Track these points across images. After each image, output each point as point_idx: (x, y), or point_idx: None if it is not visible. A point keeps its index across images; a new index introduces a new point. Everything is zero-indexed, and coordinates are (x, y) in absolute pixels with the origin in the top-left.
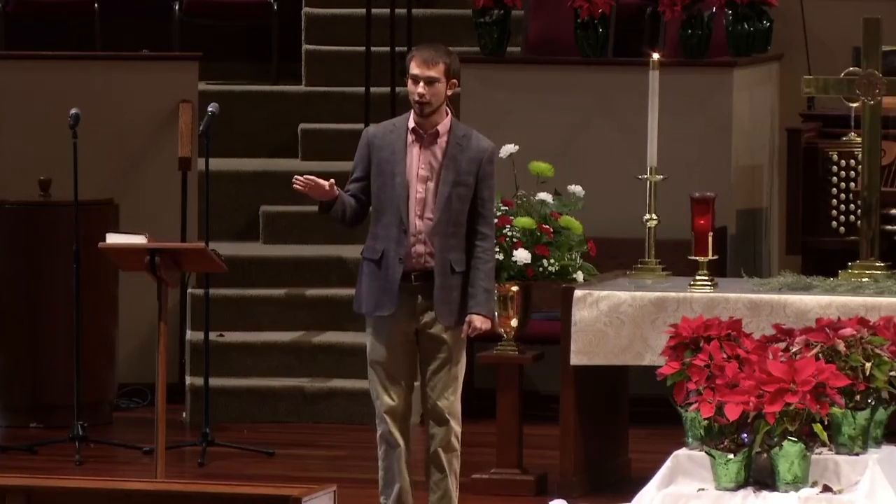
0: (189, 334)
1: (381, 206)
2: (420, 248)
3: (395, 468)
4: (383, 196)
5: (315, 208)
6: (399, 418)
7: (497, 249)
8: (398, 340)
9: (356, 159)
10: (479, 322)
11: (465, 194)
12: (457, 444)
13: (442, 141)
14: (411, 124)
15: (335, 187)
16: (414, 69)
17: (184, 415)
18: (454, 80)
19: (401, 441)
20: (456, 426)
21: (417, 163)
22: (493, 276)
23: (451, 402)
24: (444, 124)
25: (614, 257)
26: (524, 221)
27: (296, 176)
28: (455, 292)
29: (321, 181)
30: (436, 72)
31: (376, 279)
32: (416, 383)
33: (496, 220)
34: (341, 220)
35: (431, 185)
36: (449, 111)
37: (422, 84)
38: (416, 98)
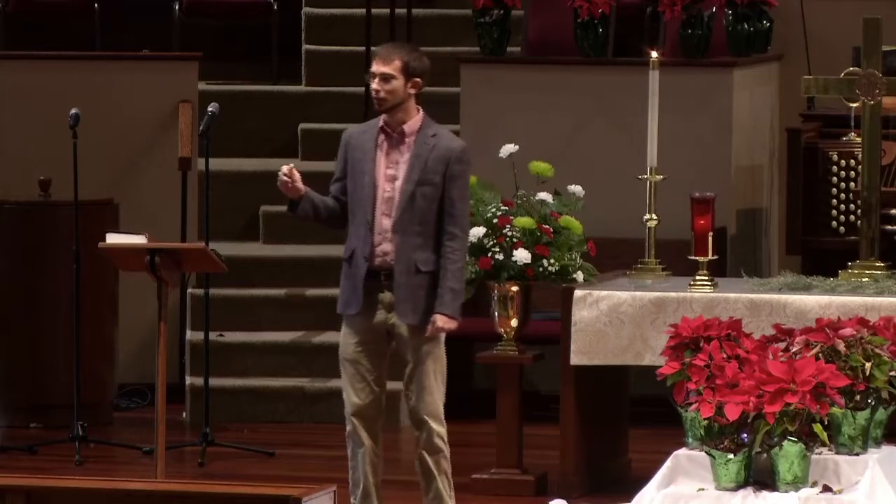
0: (189, 334)
1: (353, 206)
2: (386, 246)
3: (359, 469)
4: (355, 195)
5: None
6: (366, 418)
7: (497, 249)
8: (367, 339)
9: (337, 160)
10: (442, 322)
11: (432, 194)
12: (441, 445)
13: (410, 140)
14: (381, 123)
15: (302, 185)
16: (372, 66)
17: (184, 415)
18: (417, 80)
19: (366, 441)
20: (436, 426)
21: (385, 162)
22: (462, 277)
23: (428, 402)
24: (412, 123)
25: (614, 257)
26: (524, 221)
27: (289, 167)
28: (421, 291)
29: (297, 175)
30: (391, 68)
31: (347, 278)
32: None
33: (496, 221)
34: (315, 220)
35: (398, 184)
36: (419, 110)
37: (377, 80)
38: (373, 94)
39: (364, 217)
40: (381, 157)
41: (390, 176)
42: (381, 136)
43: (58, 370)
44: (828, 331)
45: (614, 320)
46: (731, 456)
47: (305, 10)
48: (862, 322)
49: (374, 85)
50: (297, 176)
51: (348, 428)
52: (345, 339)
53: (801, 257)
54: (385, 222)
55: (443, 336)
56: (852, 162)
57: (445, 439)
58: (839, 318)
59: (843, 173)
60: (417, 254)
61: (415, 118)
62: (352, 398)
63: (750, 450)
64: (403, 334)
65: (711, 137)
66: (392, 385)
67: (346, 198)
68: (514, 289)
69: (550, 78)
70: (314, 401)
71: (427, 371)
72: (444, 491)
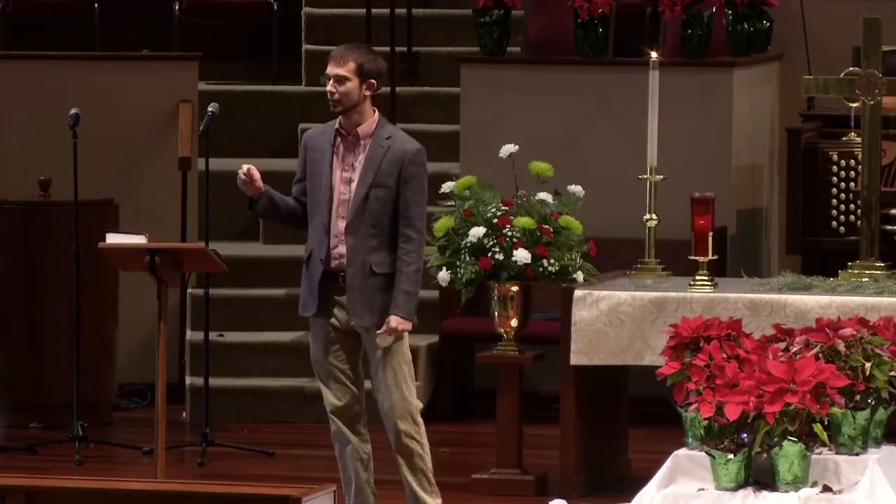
0: (189, 334)
1: (312, 208)
2: (342, 248)
3: (349, 467)
4: (313, 197)
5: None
6: (346, 417)
7: (497, 249)
8: (332, 340)
9: (298, 161)
10: (396, 323)
11: (385, 196)
12: (411, 444)
13: (365, 142)
14: (337, 125)
15: (262, 184)
16: (327, 68)
17: (184, 415)
18: (372, 81)
19: (352, 438)
20: (404, 425)
21: (341, 164)
22: (417, 279)
23: (393, 401)
24: (367, 125)
25: (614, 257)
26: (524, 221)
27: (248, 167)
28: (376, 293)
29: (255, 174)
30: (345, 70)
31: (305, 279)
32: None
33: (496, 221)
34: (275, 219)
35: (354, 186)
36: (375, 111)
37: (331, 82)
38: (328, 96)
39: (321, 219)
40: (337, 160)
41: (346, 178)
42: (338, 139)
43: (58, 370)
44: (828, 331)
45: (614, 320)
46: (731, 456)
47: (305, 10)
48: (862, 322)
49: (329, 87)
50: (256, 175)
51: (332, 428)
52: (312, 342)
53: (801, 257)
54: (341, 224)
55: (405, 336)
56: (852, 162)
57: (418, 436)
58: (839, 318)
59: (843, 173)
60: (372, 256)
61: (370, 120)
62: (330, 399)
63: (750, 450)
64: (365, 335)
65: (711, 137)
66: None
67: (306, 199)
68: (514, 289)
69: (550, 78)
70: (314, 401)
71: (390, 371)
72: (419, 490)
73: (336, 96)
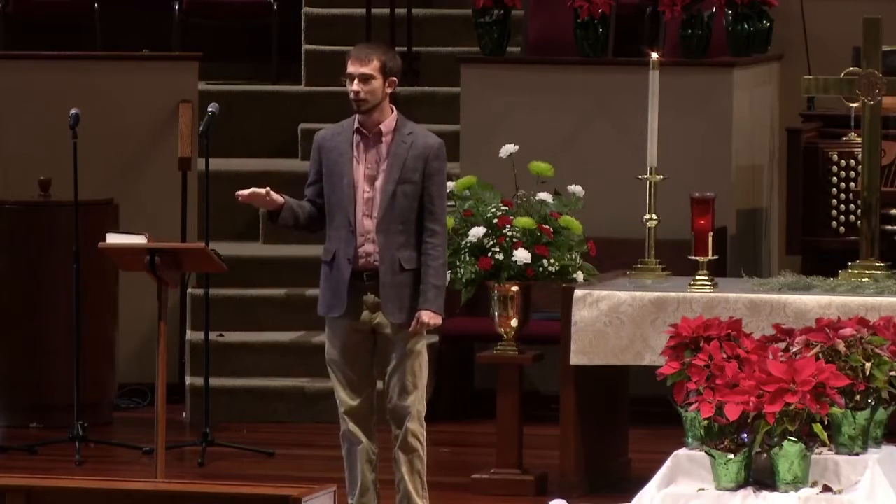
0: (189, 334)
1: (332, 208)
2: (369, 247)
3: (357, 467)
4: (333, 198)
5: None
6: (359, 417)
7: (497, 249)
8: (352, 340)
9: (310, 163)
10: (427, 318)
11: (412, 192)
12: (416, 444)
13: (387, 139)
14: (356, 125)
15: (279, 195)
16: (349, 67)
17: (184, 415)
18: (393, 79)
19: (363, 438)
20: (414, 426)
21: (364, 163)
22: (444, 273)
23: (409, 402)
24: (387, 123)
25: (614, 257)
26: (524, 221)
27: (238, 192)
28: (406, 290)
29: (258, 190)
30: (370, 69)
31: (329, 280)
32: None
33: (496, 221)
34: (294, 227)
35: (378, 184)
36: (394, 109)
37: (356, 81)
38: (352, 96)
39: (345, 219)
40: (359, 159)
41: (369, 177)
42: (357, 137)
43: (58, 370)
44: (828, 331)
45: (614, 320)
46: (731, 456)
47: (305, 10)
48: (862, 322)
49: (354, 86)
50: (274, 194)
51: (343, 428)
52: (330, 341)
53: (801, 257)
54: (367, 223)
55: (424, 336)
56: (852, 162)
57: (422, 439)
58: (839, 318)
59: (843, 173)
60: (401, 252)
61: (390, 117)
62: (344, 399)
63: (750, 450)
64: (388, 333)
65: (711, 137)
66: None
67: (321, 200)
68: (514, 289)
69: (550, 78)
70: (314, 401)
71: (409, 370)
72: (412, 491)
73: (362, 95)
